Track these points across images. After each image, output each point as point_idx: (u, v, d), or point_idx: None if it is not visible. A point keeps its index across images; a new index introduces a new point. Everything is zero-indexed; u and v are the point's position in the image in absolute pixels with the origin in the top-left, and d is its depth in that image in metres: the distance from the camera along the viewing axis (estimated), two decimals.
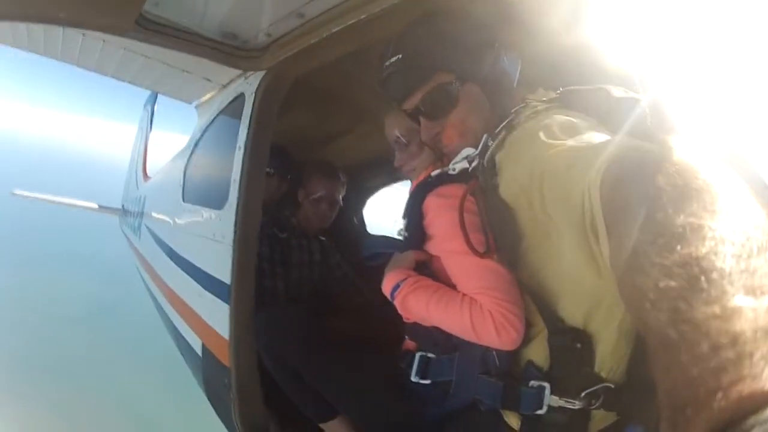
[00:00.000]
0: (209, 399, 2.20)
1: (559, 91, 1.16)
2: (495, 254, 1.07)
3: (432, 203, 1.21)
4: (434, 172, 1.26)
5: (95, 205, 6.61)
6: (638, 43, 1.03)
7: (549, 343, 1.01)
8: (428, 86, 1.19)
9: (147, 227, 3.82)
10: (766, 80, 0.91)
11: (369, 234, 3.44)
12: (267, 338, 1.63)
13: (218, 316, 1.88)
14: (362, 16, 1.45)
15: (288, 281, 2.28)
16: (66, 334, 4.93)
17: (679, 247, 0.42)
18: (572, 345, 0.96)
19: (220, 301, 1.87)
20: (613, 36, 1.11)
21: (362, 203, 3.53)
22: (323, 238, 2.52)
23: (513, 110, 1.13)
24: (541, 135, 0.95)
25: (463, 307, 1.07)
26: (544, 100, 1.14)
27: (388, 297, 1.24)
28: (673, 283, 0.40)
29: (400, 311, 1.23)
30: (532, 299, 1.03)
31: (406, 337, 1.36)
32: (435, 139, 1.26)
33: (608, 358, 0.97)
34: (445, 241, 1.17)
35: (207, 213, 2.07)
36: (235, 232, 1.75)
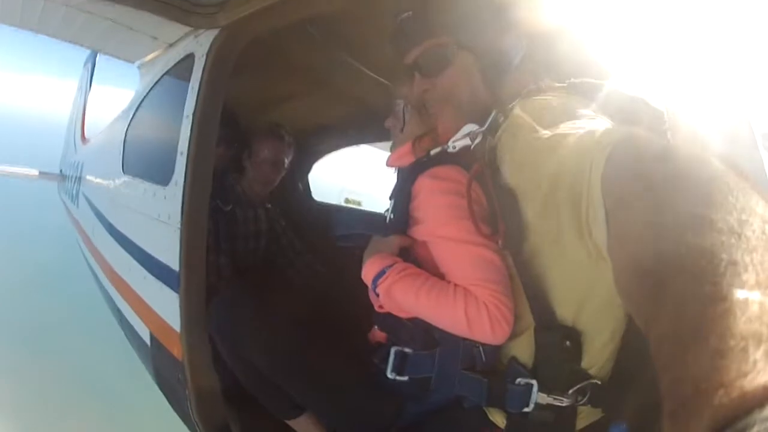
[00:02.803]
0: (163, 393, 2.03)
1: (568, 81, 1.11)
2: (499, 241, 1.01)
3: (425, 185, 1.11)
4: (433, 151, 1.17)
5: (35, 172, 6.13)
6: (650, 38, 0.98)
7: (536, 340, 0.98)
8: (427, 44, 1.20)
9: (85, 196, 3.51)
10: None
11: (337, 209, 3.41)
12: (218, 328, 1.49)
13: (167, 305, 1.70)
14: None
15: (233, 255, 2.17)
16: (13, 301, 4.68)
17: (685, 238, 0.41)
18: (561, 342, 0.94)
19: (168, 288, 1.68)
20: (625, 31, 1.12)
21: (308, 169, 3.45)
22: (269, 206, 2.43)
23: (525, 91, 1.09)
24: (548, 119, 0.93)
25: (457, 299, 1.00)
26: (555, 86, 1.10)
27: (369, 284, 1.14)
28: (678, 275, 0.40)
29: (382, 300, 1.14)
30: (525, 292, 0.99)
31: (376, 327, 1.27)
32: (422, 96, 1.25)
33: (597, 354, 0.96)
34: (439, 226, 1.08)
35: (151, 189, 1.85)
36: (182, 212, 1.55)
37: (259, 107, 2.66)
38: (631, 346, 0.95)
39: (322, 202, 3.51)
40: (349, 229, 1.35)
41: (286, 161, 2.35)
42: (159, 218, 1.73)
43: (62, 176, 5.43)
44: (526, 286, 0.98)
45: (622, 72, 1.22)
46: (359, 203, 3.57)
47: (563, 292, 0.95)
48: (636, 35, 1.10)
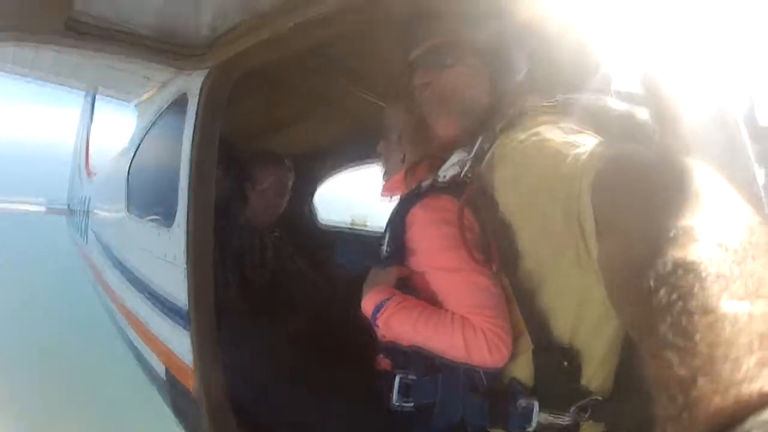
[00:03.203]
0: (183, 426, 2.04)
1: (556, 99, 1.11)
2: (493, 267, 1.02)
3: (418, 216, 1.12)
4: (424, 183, 1.17)
5: (43, 208, 6.17)
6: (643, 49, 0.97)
7: (534, 361, 0.98)
8: (438, 40, 1.20)
9: (94, 233, 3.55)
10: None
11: (342, 232, 3.40)
12: (230, 364, 1.53)
13: (179, 342, 1.72)
14: (316, 13, 1.31)
15: (242, 284, 2.17)
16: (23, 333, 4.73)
17: (672, 252, 0.42)
18: (559, 363, 0.94)
19: (179, 327, 1.70)
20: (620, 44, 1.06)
21: (312, 192, 3.43)
22: (276, 233, 2.42)
23: (510, 112, 1.10)
24: (538, 140, 0.93)
25: (455, 327, 1.01)
26: (542, 105, 1.10)
27: (369, 317, 1.15)
28: (666, 289, 0.39)
29: (382, 331, 1.16)
30: (521, 314, 0.99)
31: (381, 355, 1.27)
32: (423, 88, 1.23)
33: (597, 370, 0.96)
34: (433, 257, 1.10)
35: (155, 229, 1.87)
36: (187, 254, 1.57)
37: (257, 134, 2.66)
38: (632, 358, 0.94)
39: (329, 225, 3.51)
40: (348, 258, 1.36)
41: (289, 185, 2.35)
42: (165, 258, 1.74)
43: (70, 210, 5.47)
44: (522, 308, 0.99)
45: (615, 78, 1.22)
46: (365, 223, 3.56)
47: (558, 311, 0.95)
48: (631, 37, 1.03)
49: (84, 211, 4.23)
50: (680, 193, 0.49)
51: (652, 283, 0.41)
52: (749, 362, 0.32)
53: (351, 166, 3.36)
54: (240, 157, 2.35)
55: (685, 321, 0.37)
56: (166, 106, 1.95)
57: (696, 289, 0.38)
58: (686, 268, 0.40)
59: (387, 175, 1.36)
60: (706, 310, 0.36)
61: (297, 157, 2.60)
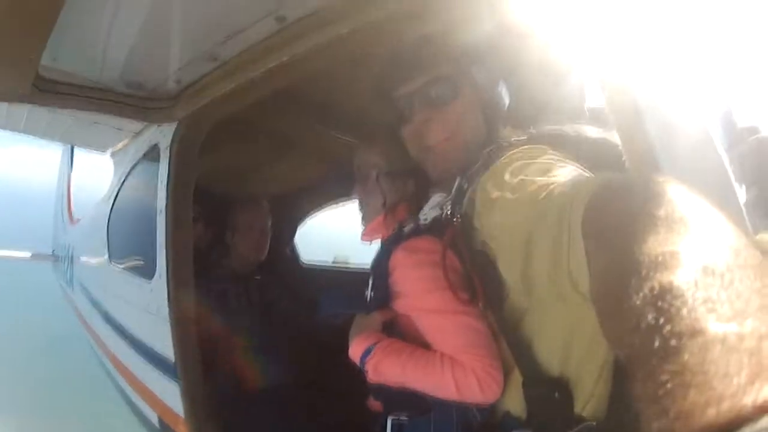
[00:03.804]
0: None
1: (530, 131, 1.11)
2: (479, 306, 1.02)
3: (400, 259, 1.12)
4: (406, 227, 1.17)
5: (28, 254, 6.09)
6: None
7: (525, 393, 0.97)
8: (433, 73, 1.16)
9: (79, 281, 3.51)
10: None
11: (326, 270, 3.40)
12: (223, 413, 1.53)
13: (169, 392, 1.70)
14: (283, 59, 1.33)
15: (230, 330, 2.13)
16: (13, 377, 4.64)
17: (659, 277, 0.42)
18: (550, 394, 0.93)
19: (167, 377, 1.69)
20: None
21: (292, 233, 3.43)
22: (258, 277, 2.39)
23: (486, 150, 1.08)
24: (518, 174, 0.92)
25: (444, 368, 1.01)
26: (518, 139, 1.09)
27: (357, 362, 1.15)
28: (654, 313, 0.40)
29: (371, 376, 1.14)
30: (509, 347, 0.99)
31: (372, 397, 1.26)
32: (423, 127, 1.18)
33: (590, 397, 0.94)
34: (418, 299, 1.09)
35: (137, 281, 1.85)
36: (169, 306, 1.56)
37: (232, 178, 2.65)
38: (623, 380, 0.92)
39: (311, 264, 3.50)
40: (332, 308, 1.35)
41: (269, 228, 2.35)
42: (148, 310, 1.73)
43: (55, 257, 5.41)
44: (510, 342, 0.99)
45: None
46: (347, 261, 3.56)
47: (546, 343, 0.95)
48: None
49: (68, 257, 4.19)
50: (666, 219, 0.50)
51: (640, 308, 0.42)
52: (741, 377, 0.33)
53: (329, 205, 3.36)
54: (217, 204, 2.34)
55: (675, 342, 0.37)
56: (139, 156, 1.95)
57: (683, 313, 0.38)
58: (673, 292, 0.40)
59: (366, 219, 1.35)
60: (695, 332, 0.37)
61: (274, 198, 2.60)
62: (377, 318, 1.16)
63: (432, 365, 1.03)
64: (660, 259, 0.45)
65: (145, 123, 1.76)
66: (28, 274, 6.85)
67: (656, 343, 0.38)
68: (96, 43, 1.33)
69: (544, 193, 0.82)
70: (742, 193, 0.82)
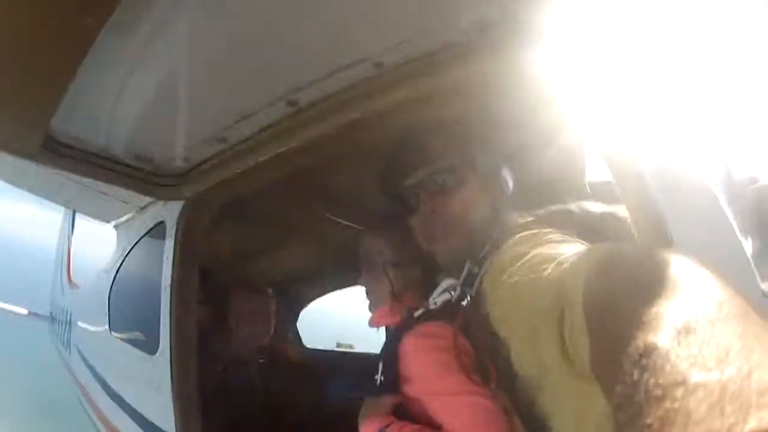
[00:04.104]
0: None
1: (536, 212, 1.13)
2: (491, 387, 1.03)
3: (411, 344, 1.14)
4: (416, 313, 1.19)
5: (24, 311, 6.03)
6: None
7: None
8: (437, 164, 1.20)
9: (76, 346, 3.48)
10: None
11: (330, 355, 3.41)
12: None
13: None
14: (293, 144, 1.36)
15: (233, 413, 2.14)
16: None
17: (644, 337, 0.46)
18: None
19: None
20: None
21: (295, 317, 3.44)
22: (262, 360, 2.41)
23: (495, 233, 1.10)
24: (524, 257, 0.93)
25: None
26: (525, 221, 1.11)
27: None
28: (639, 370, 0.43)
29: None
30: (522, 424, 0.98)
31: None
32: (429, 217, 1.22)
33: None
34: (430, 383, 1.10)
35: (139, 355, 1.85)
36: (172, 383, 1.56)
37: (235, 260, 2.67)
38: None
39: (315, 349, 3.49)
40: (341, 394, 1.35)
41: (273, 314, 2.37)
42: (150, 385, 1.72)
43: (52, 318, 5.36)
44: (525, 422, 0.98)
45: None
46: (351, 346, 3.57)
47: (561, 422, 0.93)
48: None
49: (66, 321, 4.15)
50: (655, 285, 0.53)
51: (626, 366, 0.45)
52: (724, 416, 0.35)
53: (333, 290, 3.38)
54: (222, 287, 2.37)
55: (659, 392, 0.40)
56: (145, 231, 1.99)
57: (667, 368, 0.42)
58: (657, 351, 0.44)
59: (373, 306, 1.38)
60: (677, 383, 0.40)
61: (278, 282, 2.65)
62: (388, 401, 1.16)
63: None
64: (645, 321, 0.48)
65: (151, 198, 1.78)
66: (23, 330, 6.76)
67: (641, 394, 0.42)
68: (107, 113, 1.34)
69: (547, 276, 0.83)
70: (748, 246, 0.85)
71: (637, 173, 0.90)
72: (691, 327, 0.45)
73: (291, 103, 1.29)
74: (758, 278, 0.82)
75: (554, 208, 1.12)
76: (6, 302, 5.84)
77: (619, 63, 0.98)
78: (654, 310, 0.49)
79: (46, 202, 2.40)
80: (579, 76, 1.04)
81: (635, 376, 0.44)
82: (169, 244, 1.67)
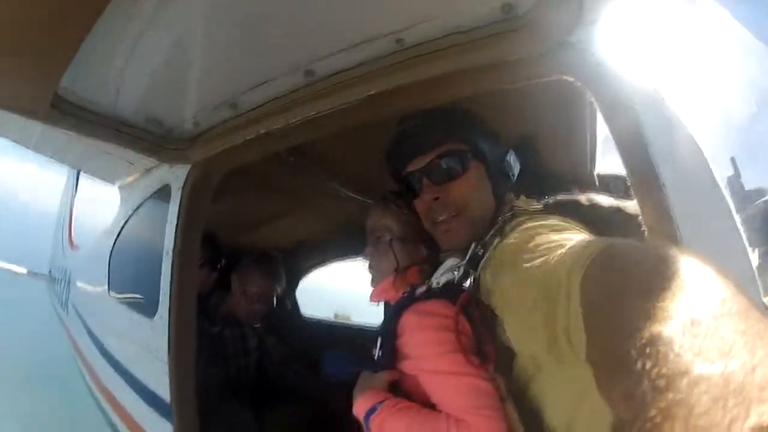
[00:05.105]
0: None
1: (544, 199, 1.14)
2: (488, 370, 1.04)
3: (411, 321, 1.14)
4: (418, 290, 1.19)
5: (24, 270, 6.05)
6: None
7: None
8: (441, 149, 1.20)
9: (74, 306, 3.49)
10: None
11: (327, 325, 3.41)
12: None
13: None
14: (307, 114, 1.34)
15: (226, 374, 2.16)
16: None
17: (650, 328, 0.46)
18: None
19: (161, 418, 1.67)
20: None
21: (294, 285, 3.44)
22: (257, 325, 2.41)
23: (500, 217, 1.11)
24: (529, 243, 0.94)
25: (450, 428, 1.02)
26: (532, 207, 1.12)
27: (362, 420, 1.15)
28: (643, 359, 0.43)
29: None
30: (516, 410, 1.00)
31: None
32: (432, 203, 1.22)
33: None
34: (427, 360, 1.11)
35: (137, 318, 1.85)
36: (169, 348, 1.57)
37: (240, 228, 2.66)
38: None
39: (312, 318, 3.50)
40: (336, 367, 1.36)
41: (276, 293, 2.36)
42: (147, 348, 1.73)
43: (51, 278, 5.38)
44: (519, 407, 0.99)
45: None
46: (349, 318, 3.56)
47: (554, 408, 0.95)
48: None
49: (65, 281, 4.17)
50: (660, 279, 0.53)
51: (632, 356, 0.45)
52: (726, 409, 0.36)
53: (334, 261, 3.39)
54: (222, 251, 2.36)
55: (662, 383, 0.40)
56: (149, 193, 1.98)
57: (671, 357, 0.42)
58: (662, 341, 0.44)
59: (376, 280, 1.37)
60: (681, 373, 0.40)
61: (280, 250, 2.61)
62: (384, 376, 1.17)
63: (437, 426, 1.03)
64: (651, 313, 0.48)
65: (158, 161, 1.77)
66: (21, 288, 6.79)
67: (645, 384, 0.42)
68: (117, 74, 1.33)
69: (548, 260, 0.84)
70: (754, 257, 0.86)
71: (653, 170, 0.90)
72: (695, 319, 0.45)
73: (308, 72, 1.27)
74: (761, 291, 0.83)
75: (562, 197, 1.12)
76: (5, 261, 5.85)
77: (639, 57, 0.98)
78: (659, 301, 0.49)
79: (49, 163, 2.38)
80: (599, 67, 1.03)
81: (639, 366, 0.44)
82: (173, 208, 1.65)
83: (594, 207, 1.07)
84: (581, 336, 0.69)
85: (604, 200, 1.08)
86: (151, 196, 1.97)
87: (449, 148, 1.20)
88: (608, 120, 1.04)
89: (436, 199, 1.21)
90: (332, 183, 2.15)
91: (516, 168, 1.26)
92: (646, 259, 0.61)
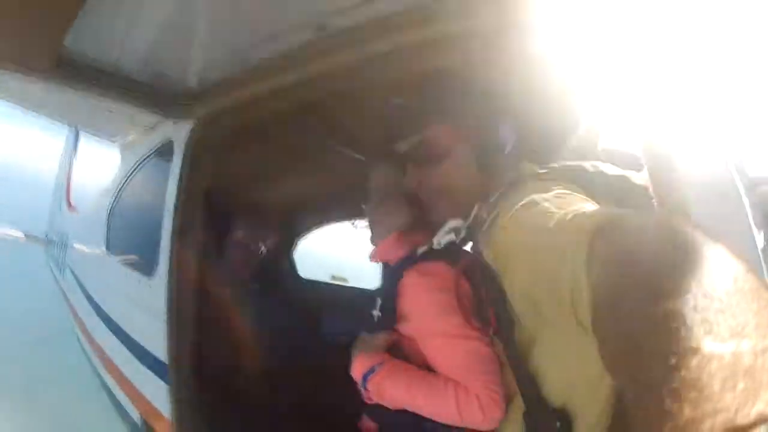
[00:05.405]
0: None
1: (551, 165, 1.11)
2: (489, 334, 1.03)
3: (412, 281, 1.12)
4: (420, 250, 1.17)
5: (21, 234, 6.01)
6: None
7: (525, 422, 0.96)
8: (423, 133, 1.17)
9: (71, 269, 3.46)
10: None
11: (324, 286, 3.36)
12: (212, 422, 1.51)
13: (157, 394, 1.66)
14: (313, 71, 1.30)
15: (223, 339, 2.03)
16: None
17: (662, 304, 0.45)
18: (551, 424, 0.92)
19: (157, 378, 1.65)
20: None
21: (292, 246, 3.37)
22: (256, 286, 2.33)
23: (507, 181, 1.08)
24: (535, 206, 0.91)
25: (448, 391, 1.01)
26: (538, 172, 1.09)
27: (359, 381, 1.14)
28: (655, 336, 0.43)
29: (372, 396, 1.14)
30: (516, 379, 0.98)
31: (365, 416, 1.25)
32: (417, 187, 1.21)
33: (590, 430, 0.92)
34: (428, 323, 1.09)
35: (135, 276, 1.82)
36: (168, 307, 1.53)
37: (239, 186, 2.57)
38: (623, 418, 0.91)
39: (309, 279, 3.44)
40: (334, 329, 1.33)
41: (263, 248, 2.29)
42: (144, 307, 1.70)
43: (48, 240, 5.35)
44: (517, 372, 0.98)
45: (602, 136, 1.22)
46: (345, 280, 3.54)
47: (553, 374, 0.94)
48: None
49: (62, 244, 4.14)
50: (670, 252, 0.52)
51: (644, 331, 0.44)
52: (736, 391, 0.35)
53: (333, 223, 3.34)
54: (223, 210, 2.27)
55: (673, 360, 0.39)
56: (151, 151, 1.93)
57: (682, 333, 0.41)
58: (674, 317, 0.42)
59: (376, 239, 1.34)
60: (692, 351, 0.39)
61: (278, 211, 2.58)
62: (383, 338, 1.15)
63: (436, 387, 1.02)
64: (661, 287, 0.47)
65: (162, 116, 1.72)
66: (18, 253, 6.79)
67: (655, 362, 0.41)
68: (123, 28, 1.30)
69: (555, 225, 0.82)
70: (759, 239, 0.85)
71: (666, 145, 0.89)
72: (708, 295, 0.44)
73: (320, 27, 1.22)
74: (765, 273, 0.82)
75: (569, 163, 1.10)
76: (3, 226, 5.82)
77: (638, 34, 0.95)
78: (669, 276, 0.48)
79: (47, 127, 2.34)
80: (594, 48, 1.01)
81: (651, 342, 0.43)
82: (176, 164, 1.60)
83: (600, 174, 1.05)
84: (587, 309, 0.68)
85: (610, 168, 1.06)
86: (152, 154, 1.92)
87: (431, 132, 1.17)
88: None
89: (420, 182, 1.20)
90: (338, 143, 2.10)
91: (511, 139, 1.21)
92: (657, 231, 0.59)
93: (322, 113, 1.80)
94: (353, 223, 1.84)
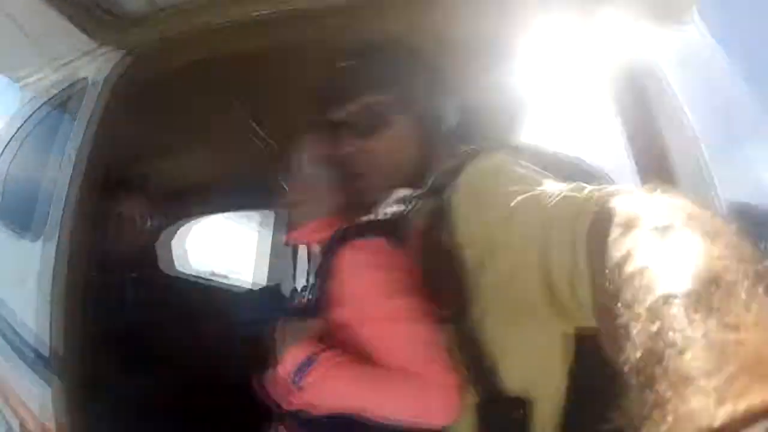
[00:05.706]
0: None
1: (507, 143, 1.12)
2: (437, 317, 0.94)
3: (348, 259, 1.02)
4: (359, 223, 1.12)
5: None
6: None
7: (479, 414, 0.92)
8: (362, 101, 1.13)
9: None
10: None
11: (205, 283, 3.17)
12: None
13: (37, 396, 1.37)
14: (260, 10, 1.23)
15: (102, 331, 1.73)
16: None
17: (663, 285, 0.44)
18: (510, 414, 0.89)
19: (37, 377, 1.36)
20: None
21: (171, 235, 3.05)
22: (134, 275, 2.05)
23: (465, 150, 1.03)
24: (509, 178, 0.88)
25: (407, 381, 0.93)
26: (498, 144, 1.08)
27: (290, 377, 0.98)
28: (653, 322, 0.41)
29: (308, 394, 0.99)
30: (468, 364, 0.92)
31: (282, 428, 1.11)
32: (349, 158, 1.16)
33: (549, 417, 0.90)
34: (369, 305, 0.99)
35: (16, 241, 1.49)
36: (54, 281, 1.24)
37: (131, 156, 2.12)
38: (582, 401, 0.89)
39: (188, 274, 3.13)
40: (256, 317, 1.17)
41: (148, 222, 2.05)
42: (25, 282, 1.37)
43: None
44: (470, 358, 0.92)
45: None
46: (226, 276, 3.40)
47: (515, 361, 0.90)
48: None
49: None
50: (666, 233, 0.51)
51: (640, 318, 0.43)
52: (738, 381, 0.33)
53: (221, 212, 3.20)
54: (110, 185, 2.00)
55: (671, 350, 0.38)
56: (58, 90, 1.62)
57: (682, 320, 0.40)
58: (671, 301, 0.42)
59: (304, 217, 1.23)
60: (693, 339, 0.38)
61: (173, 191, 2.36)
62: (314, 326, 1.04)
63: (389, 378, 0.95)
64: (665, 268, 0.46)
65: (86, 41, 1.42)
66: None
67: (654, 351, 0.40)
68: None
69: (536, 204, 0.79)
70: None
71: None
72: (710, 279, 0.43)
73: None
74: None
75: (524, 141, 1.14)
76: None
77: None
78: (674, 257, 0.48)
79: None
80: None
81: (649, 329, 0.41)
82: (88, 105, 1.34)
83: (556, 154, 1.04)
84: (587, 291, 0.66)
85: (564, 151, 1.07)
86: (59, 94, 1.62)
87: (374, 99, 1.14)
88: None
89: (355, 152, 1.16)
90: (252, 118, 1.98)
91: (456, 116, 1.19)
92: (657, 211, 0.58)
93: (253, 76, 1.69)
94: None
